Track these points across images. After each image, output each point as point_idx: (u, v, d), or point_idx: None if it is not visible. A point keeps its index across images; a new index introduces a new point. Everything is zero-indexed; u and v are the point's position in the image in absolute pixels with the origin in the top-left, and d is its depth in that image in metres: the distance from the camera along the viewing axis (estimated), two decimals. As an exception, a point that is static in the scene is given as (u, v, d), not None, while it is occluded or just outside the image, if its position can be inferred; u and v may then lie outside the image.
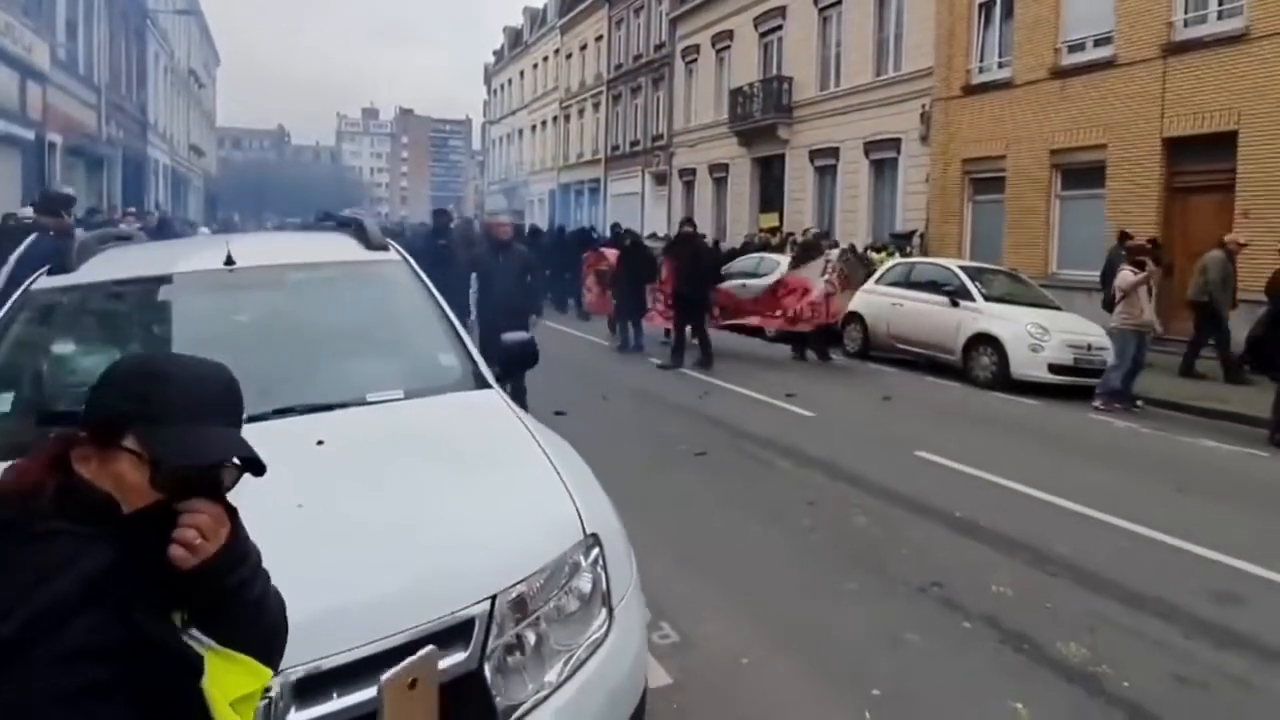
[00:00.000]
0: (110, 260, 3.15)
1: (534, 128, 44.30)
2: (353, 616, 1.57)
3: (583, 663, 1.81)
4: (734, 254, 16.92)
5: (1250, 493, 5.80)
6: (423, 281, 3.27)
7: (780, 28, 22.90)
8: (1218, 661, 3.30)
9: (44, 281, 2.95)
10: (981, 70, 16.68)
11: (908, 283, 11.94)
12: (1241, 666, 3.26)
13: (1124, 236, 12.01)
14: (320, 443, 2.18)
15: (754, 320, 12.07)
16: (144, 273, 3.06)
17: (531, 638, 1.76)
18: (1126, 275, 8.87)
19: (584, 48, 37.12)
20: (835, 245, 13.41)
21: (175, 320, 2.89)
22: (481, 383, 2.81)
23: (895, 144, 18.92)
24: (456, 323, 3.11)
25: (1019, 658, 3.28)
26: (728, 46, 25.52)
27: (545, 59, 42.50)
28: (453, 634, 1.63)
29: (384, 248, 3.44)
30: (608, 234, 19.74)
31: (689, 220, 12.66)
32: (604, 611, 1.92)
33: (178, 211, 32.14)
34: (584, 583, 1.90)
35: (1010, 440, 7.21)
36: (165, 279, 3.01)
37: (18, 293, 2.92)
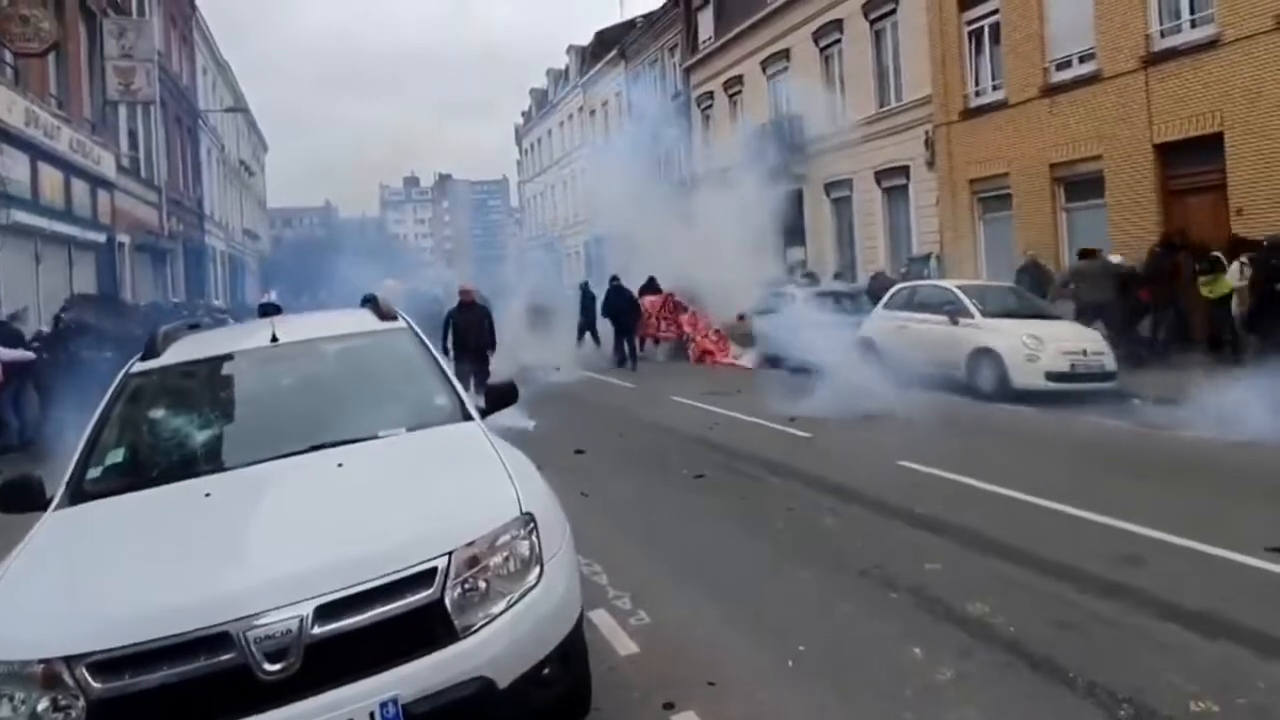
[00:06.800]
0: (186, 345, 4.10)
1: (565, 183, 46.02)
2: (357, 563, 2.37)
3: (518, 600, 2.57)
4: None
5: (1203, 476, 6.23)
6: (423, 341, 4.14)
7: (786, 69, 23.91)
8: (1096, 609, 3.87)
9: (138, 365, 3.90)
10: (978, 94, 17.34)
11: (912, 305, 12.53)
12: (1117, 611, 3.83)
13: (1166, 239, 12.35)
14: (340, 465, 3.03)
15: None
16: (211, 353, 3.99)
17: (482, 584, 2.54)
18: None
19: (605, 103, 38.74)
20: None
21: (235, 386, 3.80)
22: (466, 416, 3.64)
23: (904, 171, 19.58)
24: (450, 372, 3.96)
25: (928, 617, 3.91)
26: (739, 91, 26.62)
27: (570, 116, 44.34)
28: (424, 576, 2.43)
29: (394, 318, 4.34)
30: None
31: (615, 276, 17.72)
32: (538, 568, 2.68)
33: (236, 293, 34.60)
34: (522, 547, 2.67)
35: (989, 445, 7.74)
36: (227, 356, 3.95)
37: (120, 375, 3.87)
